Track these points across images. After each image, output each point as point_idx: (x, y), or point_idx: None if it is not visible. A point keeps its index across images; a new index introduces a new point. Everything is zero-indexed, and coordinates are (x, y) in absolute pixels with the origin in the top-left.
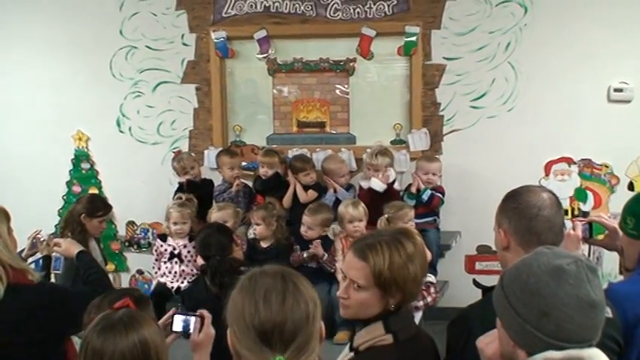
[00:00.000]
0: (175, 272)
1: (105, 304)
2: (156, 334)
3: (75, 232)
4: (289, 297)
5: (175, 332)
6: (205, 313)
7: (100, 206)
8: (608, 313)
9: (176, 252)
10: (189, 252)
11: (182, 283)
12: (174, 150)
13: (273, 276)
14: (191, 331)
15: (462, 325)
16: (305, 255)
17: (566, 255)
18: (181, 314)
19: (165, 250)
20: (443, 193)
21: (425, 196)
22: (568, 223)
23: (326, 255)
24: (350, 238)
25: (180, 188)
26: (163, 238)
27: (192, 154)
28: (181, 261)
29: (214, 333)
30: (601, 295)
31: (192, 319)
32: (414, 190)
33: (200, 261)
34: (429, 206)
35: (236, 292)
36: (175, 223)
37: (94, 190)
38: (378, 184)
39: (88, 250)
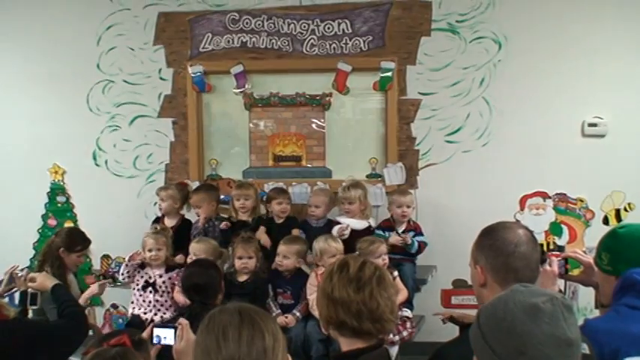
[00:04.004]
0: (150, 302)
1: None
2: None
3: (54, 266)
4: (245, 332)
5: (154, 344)
6: (183, 321)
7: (78, 240)
8: (585, 349)
9: (151, 281)
10: (164, 282)
11: (155, 315)
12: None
13: (231, 313)
14: (170, 342)
15: None
16: (274, 314)
17: (541, 293)
18: (159, 327)
19: (142, 277)
20: (421, 233)
21: (413, 250)
22: None
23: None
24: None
25: (157, 221)
26: (142, 266)
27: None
28: (156, 290)
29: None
30: (577, 332)
31: (171, 331)
32: (399, 242)
33: (180, 298)
34: (417, 253)
35: (199, 333)
36: (150, 250)
37: (69, 224)
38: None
39: (67, 284)
